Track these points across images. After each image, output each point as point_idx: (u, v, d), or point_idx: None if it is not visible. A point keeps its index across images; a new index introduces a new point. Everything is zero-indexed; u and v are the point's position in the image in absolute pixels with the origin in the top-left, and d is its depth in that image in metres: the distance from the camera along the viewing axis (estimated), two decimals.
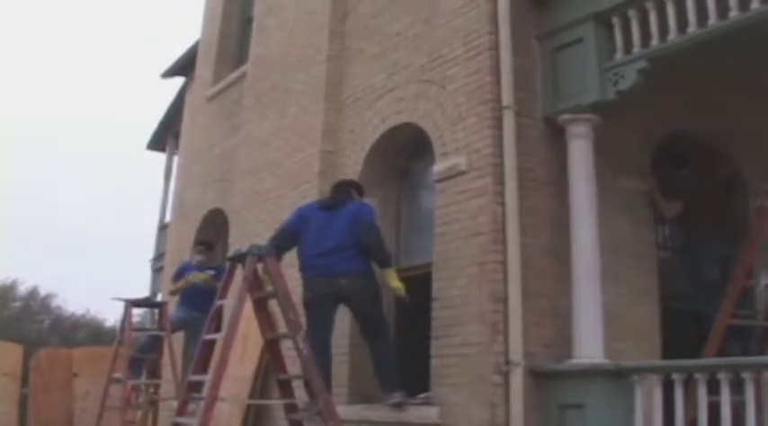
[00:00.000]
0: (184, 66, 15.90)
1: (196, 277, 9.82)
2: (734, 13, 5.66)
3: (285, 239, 7.15)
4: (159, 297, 14.30)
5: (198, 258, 10.35)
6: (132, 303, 9.57)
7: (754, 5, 5.53)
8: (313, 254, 6.90)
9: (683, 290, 7.51)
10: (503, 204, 6.34)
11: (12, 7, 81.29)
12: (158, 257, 17.68)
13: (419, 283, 7.02)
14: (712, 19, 5.80)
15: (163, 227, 18.14)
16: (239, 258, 6.88)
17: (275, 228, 7.61)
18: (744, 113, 7.88)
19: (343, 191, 7.26)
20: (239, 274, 6.85)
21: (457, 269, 6.54)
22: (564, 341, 6.28)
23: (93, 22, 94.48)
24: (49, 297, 40.17)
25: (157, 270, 17.44)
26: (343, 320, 7.26)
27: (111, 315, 36.42)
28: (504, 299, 6.15)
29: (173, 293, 10.23)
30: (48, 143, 78.85)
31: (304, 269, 6.97)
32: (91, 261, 62.86)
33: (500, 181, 6.39)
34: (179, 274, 10.21)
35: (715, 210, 7.62)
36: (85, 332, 37.18)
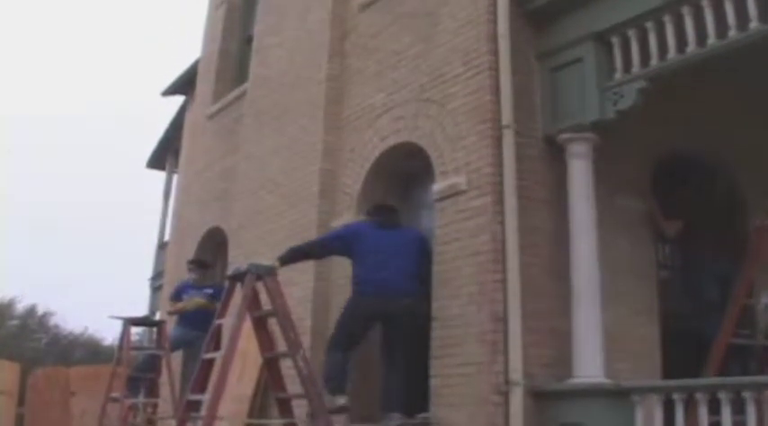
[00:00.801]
0: (184, 85, 15.94)
1: (191, 302, 9.82)
2: (732, 33, 5.69)
3: (320, 250, 7.37)
4: (158, 316, 14.27)
5: (190, 277, 10.34)
6: (131, 321, 9.53)
7: (753, 25, 5.56)
8: (378, 271, 6.86)
9: (683, 309, 7.50)
10: (502, 223, 6.34)
11: (11, 20, 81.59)
12: (157, 276, 17.66)
13: None
14: (711, 38, 5.83)
15: (162, 246, 18.13)
16: (238, 277, 6.88)
17: (274, 247, 7.61)
18: (743, 132, 7.90)
19: (393, 213, 7.33)
20: (238, 293, 6.84)
21: (456, 288, 6.53)
22: (564, 361, 6.26)
23: (94, 41, 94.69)
24: (47, 315, 40.07)
25: (156, 289, 17.41)
26: None
27: (109, 334, 36.32)
28: (504, 319, 6.14)
29: (171, 313, 10.22)
30: (47, 161, 78.89)
31: (364, 283, 6.92)
32: (90, 279, 62.76)
33: (500, 200, 6.39)
34: (177, 294, 10.20)
35: (715, 229, 7.62)
36: (83, 351, 37.06)
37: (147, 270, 19.09)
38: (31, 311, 39.66)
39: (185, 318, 9.91)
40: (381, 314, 6.82)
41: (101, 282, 60.35)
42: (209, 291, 9.80)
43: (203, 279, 10.26)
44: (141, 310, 17.87)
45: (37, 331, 39.85)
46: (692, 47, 5.96)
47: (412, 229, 7.38)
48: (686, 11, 5.99)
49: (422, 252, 7.04)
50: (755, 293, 7.62)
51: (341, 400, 6.68)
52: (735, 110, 7.91)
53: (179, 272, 11.40)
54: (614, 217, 6.93)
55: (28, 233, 65.01)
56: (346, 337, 6.95)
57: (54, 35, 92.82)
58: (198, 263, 10.48)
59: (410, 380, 6.72)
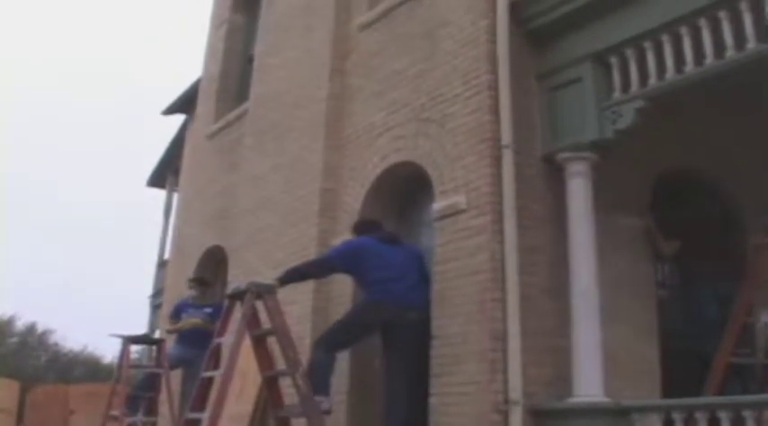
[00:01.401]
0: (185, 104, 16.00)
1: (188, 323, 9.84)
2: (730, 53, 5.73)
3: (321, 270, 7.38)
4: (157, 334, 14.25)
5: (191, 294, 10.34)
6: (130, 340, 9.52)
7: (750, 45, 5.61)
8: (395, 282, 6.90)
9: (682, 328, 7.50)
10: (502, 242, 6.35)
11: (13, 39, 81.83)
12: (157, 294, 17.66)
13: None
14: (709, 58, 5.87)
15: (162, 264, 18.14)
16: (238, 295, 6.88)
17: (274, 265, 7.61)
18: (741, 151, 7.93)
19: (380, 227, 7.43)
20: (238, 311, 6.85)
21: (456, 307, 6.53)
22: (563, 380, 6.26)
23: (93, 58, 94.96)
24: (46, 332, 40.02)
25: (156, 307, 17.40)
26: (343, 360, 7.24)
27: (108, 352, 36.30)
28: (504, 337, 6.14)
29: (169, 332, 10.23)
30: (48, 178, 78.93)
31: (382, 291, 6.91)
32: (90, 296, 62.70)
33: (499, 219, 6.41)
34: (176, 312, 10.20)
35: (714, 248, 7.63)
36: (83, 369, 37.00)
37: (147, 288, 19.11)
38: (30, 328, 39.63)
39: (185, 337, 9.90)
40: (388, 323, 6.84)
41: (101, 300, 60.32)
42: (209, 310, 9.81)
43: (203, 298, 10.26)
44: (141, 328, 17.87)
45: (36, 348, 39.79)
46: (689, 67, 6.00)
47: (411, 245, 7.41)
48: (684, 31, 6.04)
49: (423, 267, 7.10)
50: (755, 312, 7.61)
51: (323, 401, 6.63)
52: (733, 129, 7.95)
53: (179, 290, 11.40)
54: (613, 235, 6.95)
55: (28, 249, 65.02)
56: (343, 339, 6.99)
57: (53, 73, 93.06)
58: (198, 281, 10.48)
59: (411, 395, 6.72)
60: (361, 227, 7.47)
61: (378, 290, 6.93)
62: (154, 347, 10.78)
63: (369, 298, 7.03)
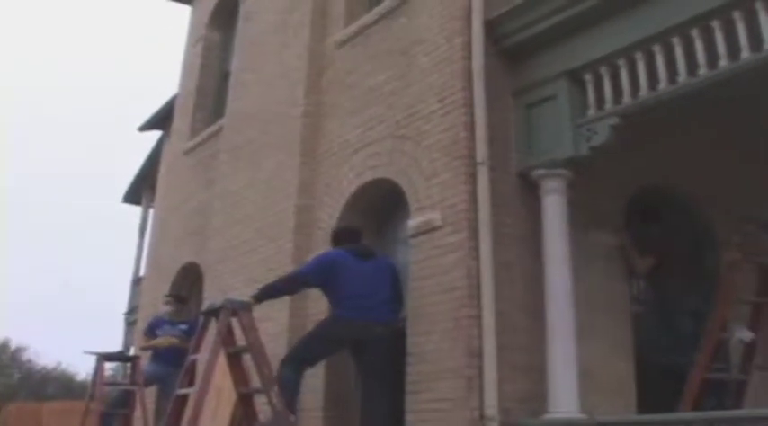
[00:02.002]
0: (161, 120, 15.96)
1: (165, 340, 9.78)
2: (702, 71, 5.77)
3: (295, 285, 7.36)
4: (132, 351, 14.15)
5: (166, 309, 10.29)
6: (104, 357, 9.45)
7: (722, 63, 5.65)
8: (361, 298, 6.87)
9: (657, 344, 7.51)
10: (477, 259, 6.36)
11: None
12: (132, 311, 17.54)
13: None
14: (682, 76, 5.92)
15: (137, 281, 18.02)
16: (213, 312, 6.85)
17: (250, 282, 7.56)
18: (714, 168, 7.98)
19: (360, 238, 7.41)
20: (213, 328, 6.81)
21: (432, 324, 6.53)
22: (539, 396, 6.25)
23: (70, 74, 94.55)
24: (19, 349, 39.72)
25: (131, 324, 17.28)
26: (316, 376, 7.22)
27: (82, 369, 36.04)
28: (479, 354, 6.14)
29: (143, 349, 10.16)
30: (21, 194, 78.35)
31: (347, 307, 6.91)
32: (63, 313, 62.21)
33: (475, 236, 6.42)
34: (151, 329, 10.13)
35: (688, 264, 7.67)
36: (56, 386, 36.73)
37: (122, 305, 18.98)
38: (3, 346, 39.33)
39: (159, 354, 9.85)
40: (356, 339, 6.82)
41: (75, 317, 59.82)
42: (184, 327, 9.77)
43: (178, 314, 10.22)
44: (115, 345, 17.74)
45: (9, 366, 39.47)
46: (663, 84, 6.04)
47: (385, 258, 7.36)
48: (657, 49, 6.09)
49: (395, 281, 7.10)
50: (729, 327, 7.65)
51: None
52: (705, 146, 8.00)
53: (154, 307, 11.34)
54: (589, 252, 6.97)
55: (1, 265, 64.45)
56: (310, 356, 6.96)
57: (32, 90, 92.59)
58: (175, 298, 10.44)
59: (386, 411, 6.71)
60: (340, 236, 7.44)
61: (345, 306, 6.93)
62: (128, 364, 10.69)
63: (336, 314, 7.02)
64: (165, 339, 9.81)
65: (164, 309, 10.40)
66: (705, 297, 7.49)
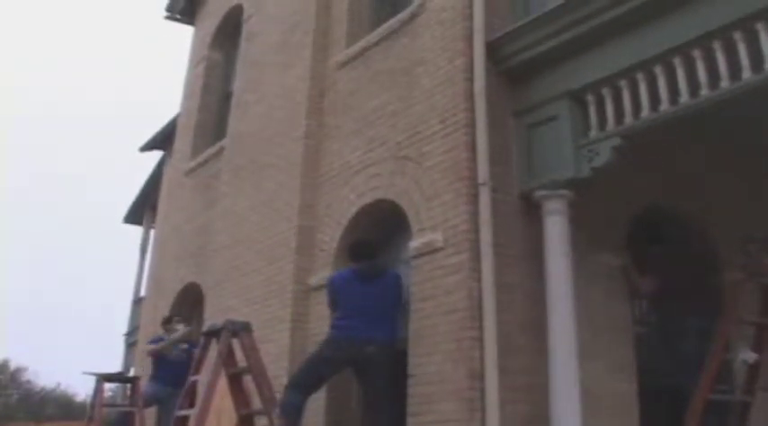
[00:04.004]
0: (163, 140, 16.01)
1: (171, 341, 9.71)
2: (704, 92, 5.78)
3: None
4: (132, 372, 14.12)
5: (179, 328, 10.21)
6: (104, 378, 9.43)
7: (723, 84, 5.66)
8: (351, 318, 6.87)
9: (660, 365, 7.49)
10: (479, 280, 6.34)
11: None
12: (132, 331, 17.52)
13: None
14: (684, 97, 5.92)
15: (137, 301, 18.01)
16: (214, 333, 6.84)
17: (251, 303, 7.55)
18: (716, 188, 7.99)
19: (373, 256, 7.28)
20: (214, 349, 6.80)
21: (433, 345, 6.50)
22: (541, 418, 6.21)
23: (73, 95, 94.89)
24: (19, 370, 39.63)
25: (131, 345, 17.26)
26: (318, 398, 7.18)
27: (82, 390, 35.93)
28: (481, 376, 6.10)
29: (153, 354, 9.95)
30: (20, 217, 78.39)
31: (337, 328, 6.92)
32: (63, 334, 62.10)
33: (476, 257, 6.40)
34: (154, 342, 10.06)
35: (691, 285, 7.65)
36: (55, 407, 36.63)
37: (122, 326, 18.96)
38: (2, 366, 39.24)
39: (160, 374, 9.80)
40: (350, 360, 6.80)
41: (75, 337, 59.72)
42: (185, 346, 9.73)
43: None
44: (115, 366, 17.70)
45: (8, 386, 39.39)
46: (665, 105, 6.05)
47: (391, 276, 7.24)
48: (659, 70, 6.10)
49: (398, 300, 7.05)
50: (733, 348, 7.63)
51: None
52: (708, 167, 8.01)
53: (154, 328, 11.31)
54: (591, 273, 6.95)
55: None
56: (311, 379, 6.90)
57: (33, 110, 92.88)
58: (168, 320, 10.36)
59: None
60: (353, 252, 7.39)
61: (335, 327, 6.95)
62: (128, 385, 10.66)
63: (328, 335, 7.01)
64: (169, 340, 9.74)
65: (178, 328, 10.31)
66: (709, 318, 7.47)
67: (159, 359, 9.78)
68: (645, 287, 7.44)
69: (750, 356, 7.18)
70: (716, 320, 7.38)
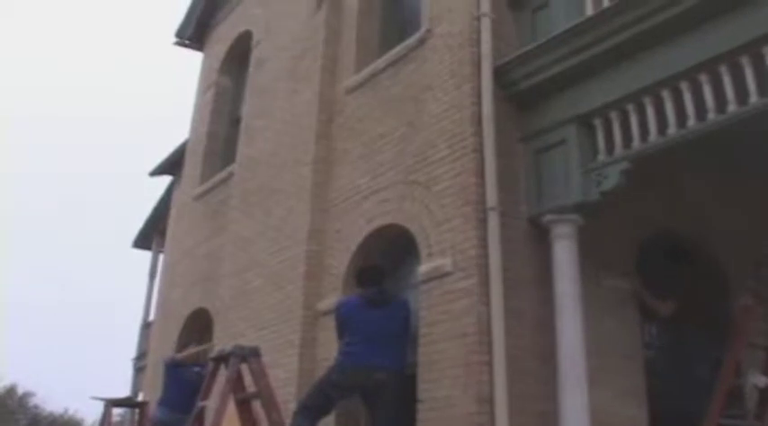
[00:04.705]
0: (172, 165, 16.04)
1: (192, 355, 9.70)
2: (711, 116, 5.80)
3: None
4: (140, 397, 14.09)
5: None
6: (112, 402, 9.44)
7: (731, 108, 5.68)
8: (359, 345, 6.83)
9: (671, 390, 7.45)
10: (488, 305, 6.33)
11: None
12: (141, 356, 17.48)
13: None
14: (691, 120, 5.94)
15: (146, 326, 17.98)
16: (222, 358, 6.83)
17: (260, 328, 7.55)
18: (725, 211, 7.98)
19: (381, 282, 7.25)
20: (222, 374, 6.79)
21: (442, 370, 6.49)
22: None
23: (81, 119, 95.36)
24: (26, 395, 39.55)
25: (139, 370, 17.22)
26: (326, 425, 7.15)
27: (90, 415, 35.82)
28: (490, 401, 6.08)
29: (173, 362, 9.90)
30: (28, 239, 78.63)
31: (346, 354, 6.89)
32: (72, 359, 62.06)
33: (485, 281, 6.40)
34: (167, 368, 10.04)
35: (703, 309, 7.62)
36: None
37: (131, 351, 18.92)
38: (10, 391, 39.16)
39: (168, 399, 9.78)
40: (358, 386, 6.78)
41: (83, 362, 59.69)
42: (197, 369, 9.71)
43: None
44: (124, 391, 17.66)
45: (16, 411, 39.26)
46: (672, 129, 6.07)
47: (400, 302, 7.22)
48: (666, 94, 6.13)
49: (406, 327, 7.03)
50: (743, 373, 7.59)
51: None
52: (716, 190, 8.01)
53: (163, 353, 11.31)
54: (600, 297, 6.94)
55: (8, 312, 64.52)
56: (319, 404, 6.87)
57: (40, 135, 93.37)
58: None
59: None
60: (361, 277, 7.38)
61: (343, 352, 6.92)
62: (136, 410, 10.66)
63: (337, 360, 7.00)
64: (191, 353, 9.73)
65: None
66: (720, 342, 7.44)
67: (168, 383, 9.77)
68: (664, 310, 7.41)
69: (761, 380, 7.14)
70: (726, 344, 7.36)
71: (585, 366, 6.31)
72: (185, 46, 14.20)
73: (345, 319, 7.02)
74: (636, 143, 6.34)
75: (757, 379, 7.18)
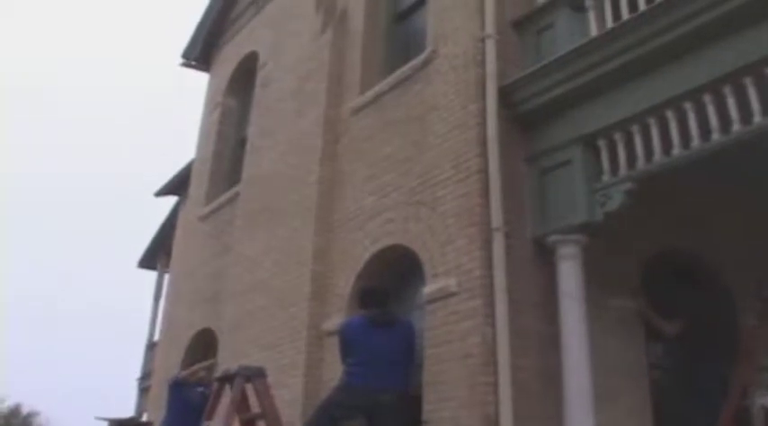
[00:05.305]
0: (178, 186, 16.10)
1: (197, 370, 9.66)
2: (715, 136, 5.81)
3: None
4: (145, 417, 14.05)
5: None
6: (116, 423, 9.40)
7: (735, 128, 5.69)
8: (367, 366, 6.79)
9: (679, 410, 7.42)
10: (493, 325, 6.32)
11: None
12: (145, 376, 17.48)
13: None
14: (695, 141, 5.95)
15: (151, 346, 17.99)
16: (227, 378, 6.82)
17: (265, 348, 7.53)
18: (730, 231, 7.97)
19: (388, 303, 7.23)
20: (227, 395, 6.78)
21: (447, 391, 6.47)
22: None
23: (84, 140, 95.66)
24: (31, 415, 39.50)
25: (144, 390, 17.20)
26: None
27: None
28: (496, 422, 6.06)
29: (181, 379, 9.84)
30: (34, 257, 78.70)
31: (353, 374, 6.85)
32: (76, 378, 61.98)
33: (490, 302, 6.39)
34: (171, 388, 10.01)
35: (710, 328, 7.59)
36: None
37: (135, 371, 18.92)
38: (14, 411, 39.13)
39: (172, 419, 9.75)
40: (364, 407, 6.75)
41: (88, 382, 59.59)
42: (201, 389, 9.68)
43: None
44: (128, 411, 17.63)
45: None
46: (677, 149, 6.08)
47: (404, 323, 7.19)
48: (670, 115, 6.14)
49: (411, 348, 7.00)
50: (750, 394, 7.55)
51: None
52: (721, 210, 8.00)
53: (168, 373, 11.29)
54: (605, 317, 6.93)
55: (12, 331, 64.48)
56: (326, 422, 6.85)
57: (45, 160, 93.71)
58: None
59: None
60: (364, 299, 7.37)
61: (349, 373, 6.90)
62: None
63: (343, 381, 6.97)
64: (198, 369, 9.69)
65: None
66: (728, 362, 7.41)
67: (172, 403, 9.73)
68: (671, 329, 7.38)
69: None
70: (733, 364, 7.33)
71: (591, 386, 6.29)
72: (192, 67, 14.28)
73: (350, 340, 7.01)
74: (640, 163, 6.35)
75: (765, 400, 7.14)
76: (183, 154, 31.42)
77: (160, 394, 10.77)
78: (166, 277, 17.58)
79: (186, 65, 14.27)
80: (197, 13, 14.25)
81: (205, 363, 9.76)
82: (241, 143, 12.16)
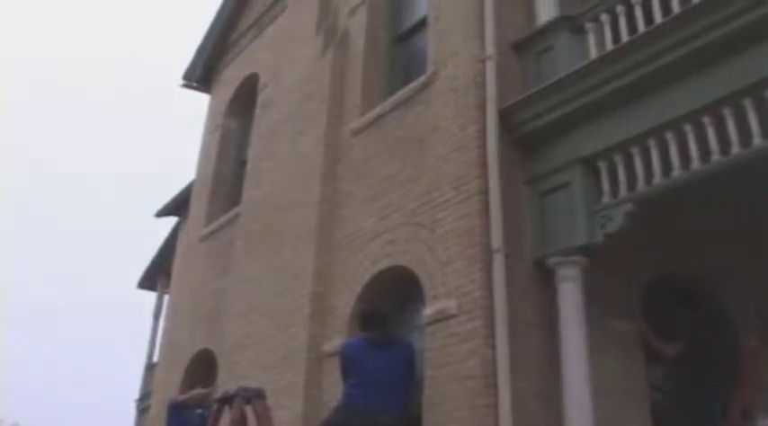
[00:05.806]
0: (178, 206, 16.12)
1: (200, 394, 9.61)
2: (715, 157, 5.83)
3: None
4: None
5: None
6: None
7: (735, 150, 5.71)
8: (367, 387, 6.81)
9: None
10: (493, 347, 6.31)
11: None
12: (144, 397, 17.43)
13: None
14: (695, 163, 5.97)
15: (150, 367, 17.96)
16: (227, 399, 6.81)
17: (265, 369, 7.51)
18: (730, 253, 7.96)
19: (384, 325, 7.24)
20: (226, 416, 6.76)
21: (447, 412, 6.46)
22: None
23: (86, 161, 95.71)
24: None
25: (143, 411, 17.15)
26: None
27: None
28: None
29: (180, 402, 9.80)
30: (33, 277, 78.66)
31: (353, 395, 6.86)
32: (74, 399, 61.74)
33: (490, 324, 6.38)
34: (170, 411, 9.97)
35: (711, 350, 7.58)
36: None
37: (134, 391, 18.87)
38: None
39: None
40: None
41: (86, 403, 59.33)
42: (199, 411, 9.65)
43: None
44: None
45: None
46: (677, 171, 6.10)
47: (404, 345, 7.20)
48: (670, 136, 6.16)
49: (410, 369, 7.01)
50: (750, 415, 7.53)
51: None
52: (721, 232, 8.00)
53: (167, 394, 11.26)
54: (606, 339, 6.92)
55: (8, 348, 64.29)
56: None
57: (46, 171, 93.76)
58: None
59: None
60: (364, 321, 7.38)
61: (348, 394, 6.90)
62: None
63: (342, 402, 6.97)
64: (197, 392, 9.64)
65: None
66: (727, 384, 7.40)
67: (171, 425, 9.70)
68: (670, 351, 7.37)
69: None
70: (734, 386, 7.32)
71: (591, 408, 6.27)
72: (193, 88, 14.33)
73: (350, 361, 7.01)
74: (640, 185, 6.37)
75: (766, 422, 7.13)
76: (185, 174, 31.42)
77: (160, 414, 10.73)
78: (166, 298, 17.56)
79: (187, 86, 14.32)
80: (198, 33, 14.31)
81: (204, 390, 9.72)
82: (241, 164, 12.18)
